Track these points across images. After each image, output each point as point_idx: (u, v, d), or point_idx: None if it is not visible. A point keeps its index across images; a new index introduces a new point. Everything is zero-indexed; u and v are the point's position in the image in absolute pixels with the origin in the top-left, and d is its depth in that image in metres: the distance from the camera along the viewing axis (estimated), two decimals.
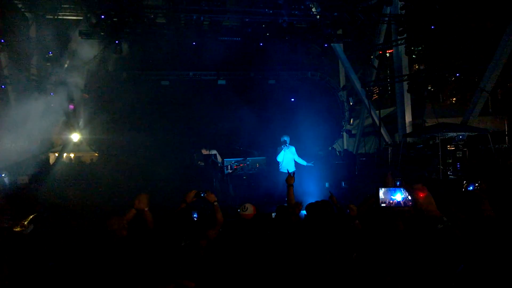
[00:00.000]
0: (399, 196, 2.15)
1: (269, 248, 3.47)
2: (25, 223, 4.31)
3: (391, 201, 2.17)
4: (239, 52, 16.11)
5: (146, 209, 3.84)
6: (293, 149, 9.99)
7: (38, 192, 11.34)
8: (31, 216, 4.49)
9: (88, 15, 12.67)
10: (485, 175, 9.95)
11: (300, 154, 10.13)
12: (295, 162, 10.08)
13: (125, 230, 3.60)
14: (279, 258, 3.24)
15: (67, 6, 12.62)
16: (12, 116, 13.76)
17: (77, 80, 14.87)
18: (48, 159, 16.97)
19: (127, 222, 3.72)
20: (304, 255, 3.07)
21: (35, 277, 3.02)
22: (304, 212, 4.38)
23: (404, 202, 2.14)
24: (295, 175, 5.00)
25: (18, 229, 4.19)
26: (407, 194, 2.10)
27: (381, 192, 2.18)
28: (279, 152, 9.91)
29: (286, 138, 9.91)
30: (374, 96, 16.65)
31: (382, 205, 2.18)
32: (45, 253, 3.51)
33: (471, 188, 3.67)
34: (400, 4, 14.03)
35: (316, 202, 3.99)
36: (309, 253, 3.04)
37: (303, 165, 10.14)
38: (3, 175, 11.79)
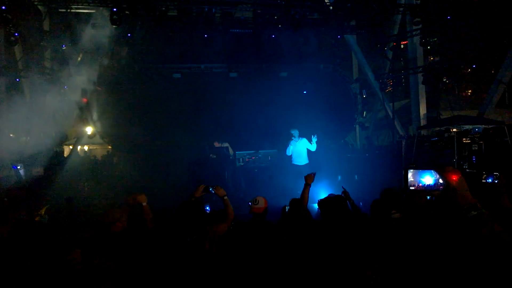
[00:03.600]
0: (428, 178, 1.99)
1: (281, 244, 3.43)
2: (42, 213, 4.38)
3: (420, 184, 2.03)
4: (251, 44, 16.00)
5: (144, 204, 3.80)
6: (305, 141, 9.89)
7: (52, 184, 11.50)
8: (44, 208, 4.56)
9: (101, 8, 12.71)
10: (501, 168, 9.75)
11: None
12: (308, 153, 9.98)
13: (121, 223, 3.56)
14: (291, 255, 3.21)
15: None
16: (26, 109, 13.93)
17: (90, 73, 14.97)
18: (62, 151, 17.17)
19: (126, 217, 3.69)
20: (317, 253, 3.02)
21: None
22: (315, 205, 4.32)
23: (435, 185, 1.98)
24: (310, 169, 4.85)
25: (38, 219, 4.26)
26: (438, 177, 1.94)
27: (410, 174, 2.05)
28: (288, 146, 9.87)
29: (294, 132, 9.84)
30: (388, 88, 16.43)
31: (411, 188, 2.05)
32: (61, 243, 3.53)
33: (490, 180, 3.56)
34: None
35: (329, 197, 3.91)
36: (323, 251, 2.98)
37: (315, 155, 10.03)
38: (18, 167, 11.94)
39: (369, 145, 17.24)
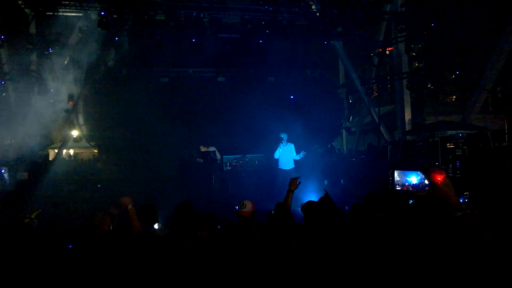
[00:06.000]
0: (414, 179, 1.99)
1: (267, 247, 3.48)
2: (33, 217, 4.35)
3: (406, 184, 2.03)
4: (239, 49, 16.07)
5: (129, 206, 3.72)
6: (291, 146, 9.97)
7: (37, 188, 11.36)
8: (36, 212, 4.53)
9: (88, 12, 12.66)
10: (484, 173, 9.96)
11: (298, 152, 10.10)
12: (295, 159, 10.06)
13: (107, 225, 3.62)
14: (278, 257, 3.25)
15: (66, 2, 12.57)
16: (11, 112, 13.76)
17: (76, 76, 14.86)
18: (47, 155, 16.97)
19: (112, 218, 3.75)
20: (303, 255, 3.08)
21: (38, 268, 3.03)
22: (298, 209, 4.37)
23: (420, 185, 1.98)
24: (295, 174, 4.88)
25: (27, 221, 4.22)
26: (423, 177, 1.94)
27: (396, 174, 2.05)
28: (277, 149, 9.94)
29: (283, 136, 9.91)
30: (374, 94, 16.62)
31: (397, 188, 2.05)
32: (48, 247, 3.52)
33: (461, 200, 3.70)
34: (400, 1, 13.99)
35: (311, 201, 3.97)
36: (308, 253, 3.04)
37: (301, 160, 10.11)
38: (2, 171, 11.78)
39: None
